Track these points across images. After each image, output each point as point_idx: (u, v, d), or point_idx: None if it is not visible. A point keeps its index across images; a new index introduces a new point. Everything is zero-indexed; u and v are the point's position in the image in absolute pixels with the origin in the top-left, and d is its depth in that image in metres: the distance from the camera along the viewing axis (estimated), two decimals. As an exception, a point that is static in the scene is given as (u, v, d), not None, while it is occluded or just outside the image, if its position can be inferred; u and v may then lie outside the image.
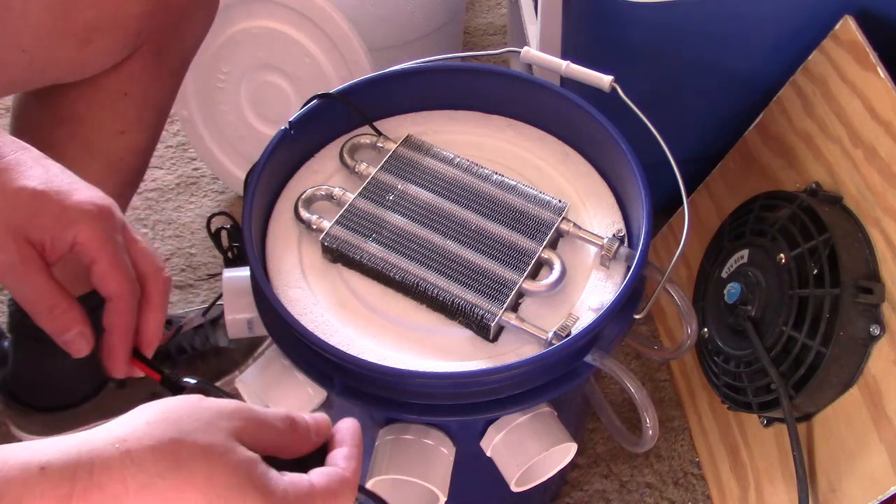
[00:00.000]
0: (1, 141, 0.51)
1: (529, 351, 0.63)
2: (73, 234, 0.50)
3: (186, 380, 0.53)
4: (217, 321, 1.03)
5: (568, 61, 0.74)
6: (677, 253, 0.64)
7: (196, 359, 1.01)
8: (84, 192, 0.51)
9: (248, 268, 0.67)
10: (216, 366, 1.02)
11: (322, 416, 0.49)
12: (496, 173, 0.72)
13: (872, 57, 0.81)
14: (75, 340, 0.52)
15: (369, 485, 0.65)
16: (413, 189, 0.71)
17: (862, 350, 0.75)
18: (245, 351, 1.03)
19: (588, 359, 0.63)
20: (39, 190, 0.50)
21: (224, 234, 1.06)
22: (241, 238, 1.05)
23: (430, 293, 0.65)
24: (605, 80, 0.72)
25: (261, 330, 0.68)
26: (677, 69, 0.94)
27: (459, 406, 0.62)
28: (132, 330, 0.52)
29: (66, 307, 0.51)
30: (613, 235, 0.68)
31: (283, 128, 0.71)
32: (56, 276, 0.51)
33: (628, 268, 0.67)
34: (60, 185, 0.50)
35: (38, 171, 0.50)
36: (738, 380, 0.86)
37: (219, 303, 1.06)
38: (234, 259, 1.06)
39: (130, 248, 0.52)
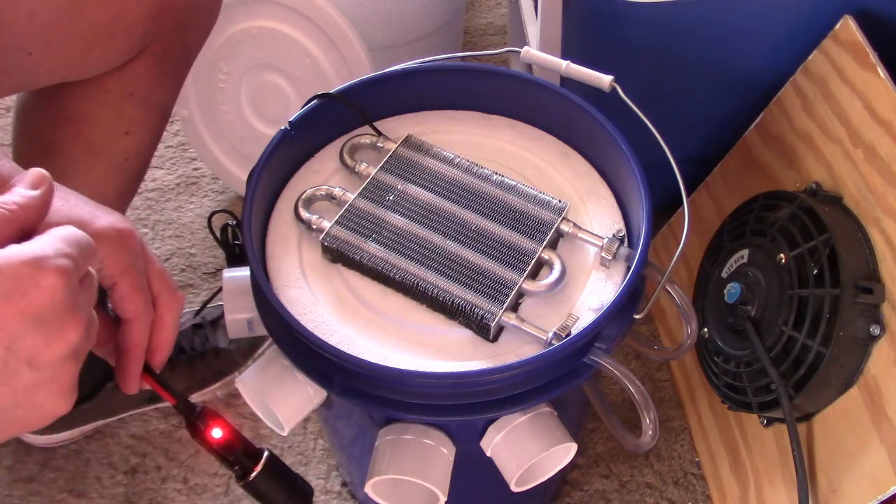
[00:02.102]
0: (18, 177, 0.51)
1: (529, 351, 0.63)
2: (97, 261, 0.50)
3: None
4: (217, 322, 1.04)
5: (568, 61, 0.74)
6: (677, 253, 0.64)
7: (196, 359, 1.01)
8: (104, 218, 0.51)
9: (247, 268, 0.67)
10: (216, 366, 1.02)
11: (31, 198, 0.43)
12: (496, 173, 0.72)
13: (872, 57, 0.81)
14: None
15: (369, 485, 0.65)
16: (413, 189, 0.71)
17: (862, 350, 0.75)
18: (245, 351, 1.03)
19: (588, 359, 0.63)
20: (60, 224, 0.50)
21: (229, 230, 1.07)
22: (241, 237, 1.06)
23: (430, 293, 0.65)
24: (605, 80, 0.72)
25: (261, 330, 0.68)
26: (677, 69, 0.94)
27: (459, 406, 0.62)
28: (145, 349, 0.53)
29: (110, 334, 0.53)
30: (613, 235, 0.68)
31: (283, 128, 0.71)
32: None
33: (628, 268, 0.67)
34: (81, 216, 0.51)
35: (58, 203, 0.51)
36: (738, 380, 0.86)
37: (210, 305, 1.06)
38: (241, 254, 1.06)
39: (147, 269, 0.53)
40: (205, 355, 1.01)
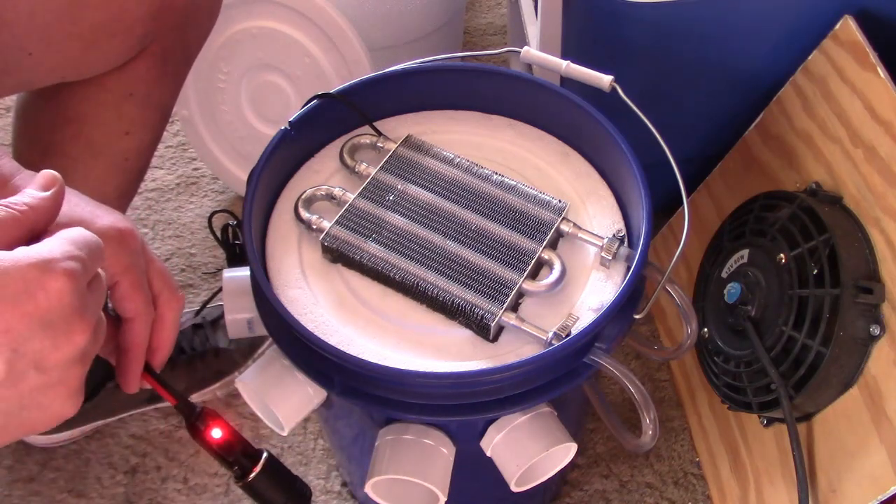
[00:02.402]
0: (19, 176, 0.51)
1: (529, 351, 0.63)
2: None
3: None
4: (217, 322, 1.04)
5: (568, 61, 0.74)
6: (677, 253, 0.64)
7: (196, 359, 1.01)
8: (105, 217, 0.51)
9: (247, 268, 0.67)
10: (216, 366, 1.02)
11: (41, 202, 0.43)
12: (496, 173, 0.72)
13: (872, 57, 0.81)
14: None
15: (369, 485, 0.65)
16: (413, 189, 0.71)
17: (862, 350, 0.75)
18: (245, 351, 1.03)
19: (588, 359, 0.63)
20: (63, 224, 0.50)
21: (229, 230, 1.07)
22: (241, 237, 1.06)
23: (430, 293, 0.65)
24: (605, 80, 0.72)
25: (261, 330, 0.68)
26: (677, 69, 0.94)
27: (459, 406, 0.62)
28: (146, 349, 0.53)
29: (111, 333, 0.53)
30: (613, 235, 0.68)
31: (283, 128, 0.71)
32: None
33: (628, 268, 0.67)
34: (82, 215, 0.51)
35: None
36: (738, 380, 0.86)
37: (210, 305, 1.06)
38: (241, 254, 1.06)
39: (147, 269, 0.53)
40: (205, 355, 1.01)
